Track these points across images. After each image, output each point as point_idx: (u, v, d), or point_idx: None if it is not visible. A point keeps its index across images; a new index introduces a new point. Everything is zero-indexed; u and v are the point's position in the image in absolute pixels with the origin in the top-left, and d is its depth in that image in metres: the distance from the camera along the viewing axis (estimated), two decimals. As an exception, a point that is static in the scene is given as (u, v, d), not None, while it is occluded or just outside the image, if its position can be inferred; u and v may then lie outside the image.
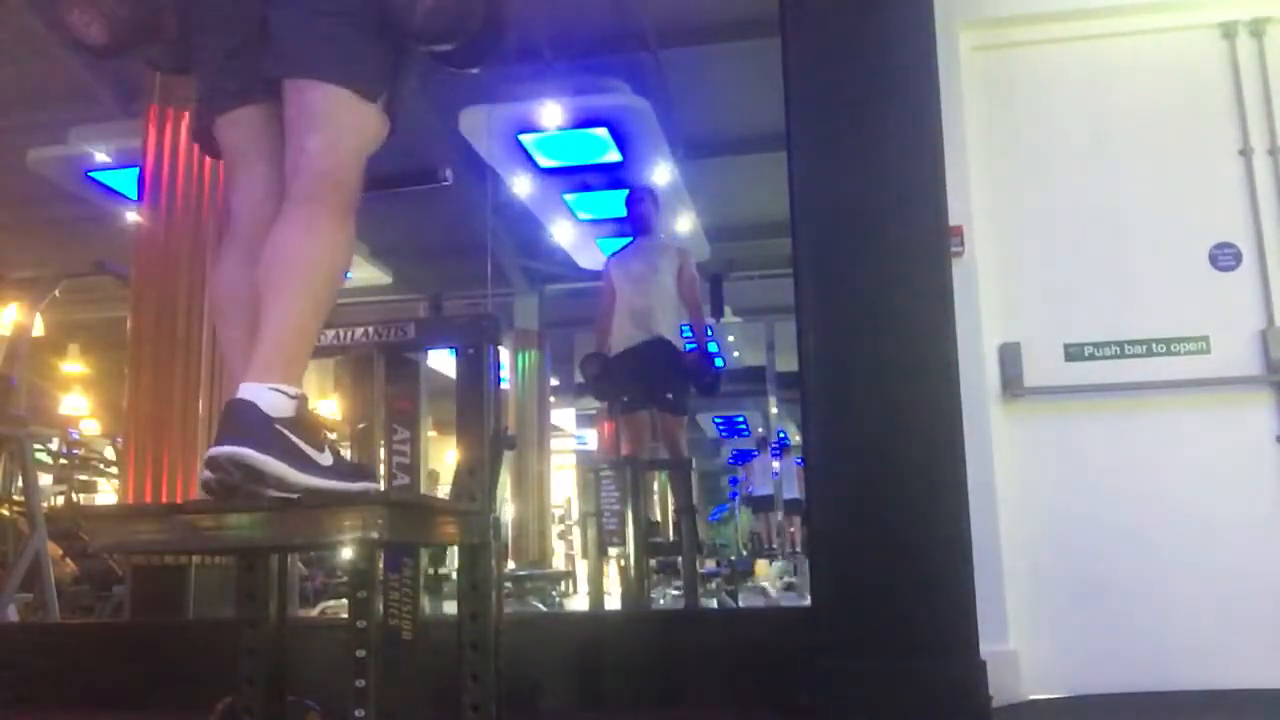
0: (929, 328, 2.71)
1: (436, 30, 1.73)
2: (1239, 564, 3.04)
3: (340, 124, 1.69)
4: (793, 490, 12.51)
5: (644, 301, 5.11)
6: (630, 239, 5.55)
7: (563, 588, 8.05)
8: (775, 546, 11.86)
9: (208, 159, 2.85)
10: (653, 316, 5.07)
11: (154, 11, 1.78)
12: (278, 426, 1.50)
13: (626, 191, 5.96)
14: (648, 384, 5.05)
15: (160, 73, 2.16)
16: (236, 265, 1.73)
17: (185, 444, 4.35)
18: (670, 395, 5.10)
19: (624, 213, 5.83)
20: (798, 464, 13.15)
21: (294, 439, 1.52)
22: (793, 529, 12.41)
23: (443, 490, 3.07)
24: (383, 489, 2.03)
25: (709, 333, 5.43)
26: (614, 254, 5.55)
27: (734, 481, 12.97)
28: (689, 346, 5.28)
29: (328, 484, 1.54)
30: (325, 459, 1.56)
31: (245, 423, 1.49)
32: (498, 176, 7.68)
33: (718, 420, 18.43)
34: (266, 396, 1.51)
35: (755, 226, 8.96)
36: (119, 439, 6.48)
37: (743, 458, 14.45)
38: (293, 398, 1.55)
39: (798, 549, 11.52)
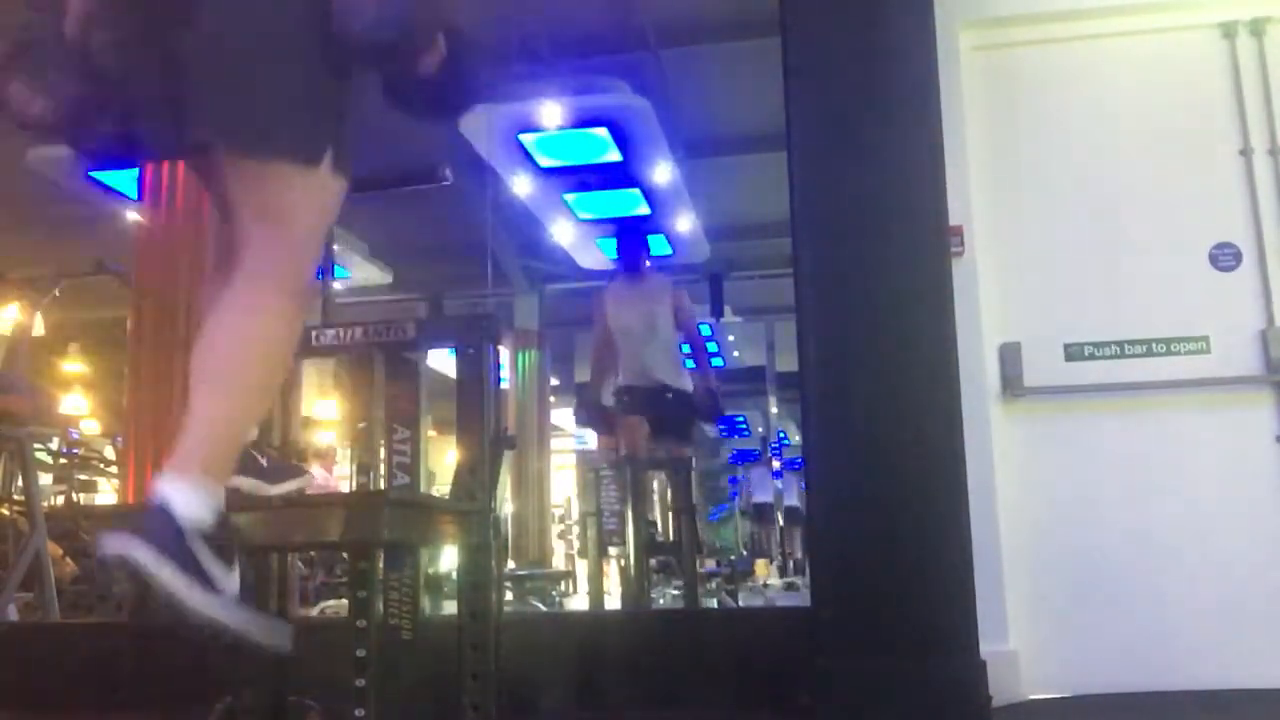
0: (929, 328, 2.71)
1: (380, 46, 1.52)
2: (1239, 563, 3.04)
3: (283, 204, 1.49)
4: (793, 497, 12.49)
5: (644, 353, 5.21)
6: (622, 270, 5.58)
7: (563, 588, 8.04)
8: (777, 560, 11.86)
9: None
10: (656, 366, 5.19)
11: (101, 90, 1.57)
12: (186, 535, 1.32)
13: (623, 199, 5.98)
14: (655, 424, 5.16)
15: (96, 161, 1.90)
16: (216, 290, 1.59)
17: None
18: (678, 432, 5.23)
19: (622, 211, 5.85)
20: (793, 466, 13.15)
21: (200, 555, 1.33)
22: (790, 550, 12.41)
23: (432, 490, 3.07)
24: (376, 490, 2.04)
25: (711, 342, 5.62)
26: (607, 288, 5.57)
27: (734, 481, 12.94)
28: (689, 365, 5.38)
29: (220, 615, 1.34)
30: (232, 582, 1.38)
31: (150, 520, 1.32)
32: (498, 176, 7.67)
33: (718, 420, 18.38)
34: (182, 496, 1.34)
35: (755, 226, 8.96)
36: (119, 439, 6.48)
37: (742, 458, 14.43)
38: (212, 498, 1.38)
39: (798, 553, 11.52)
